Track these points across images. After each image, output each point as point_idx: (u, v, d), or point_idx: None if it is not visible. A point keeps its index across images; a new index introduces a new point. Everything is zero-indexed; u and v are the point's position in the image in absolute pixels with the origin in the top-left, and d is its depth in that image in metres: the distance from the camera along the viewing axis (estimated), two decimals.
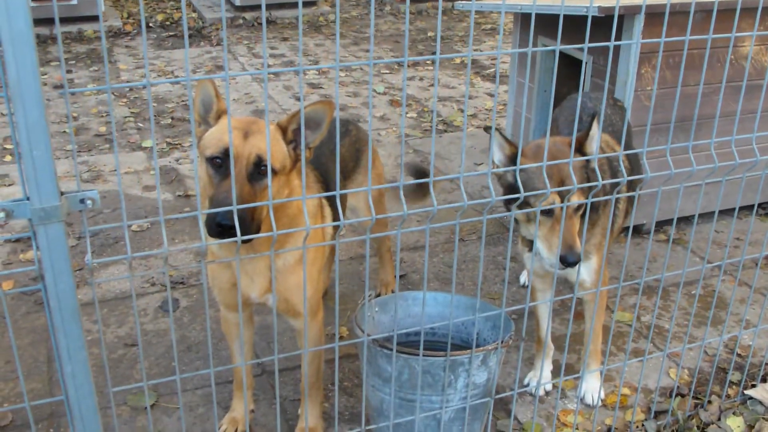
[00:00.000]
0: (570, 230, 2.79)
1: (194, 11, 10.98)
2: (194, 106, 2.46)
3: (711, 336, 3.88)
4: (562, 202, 2.74)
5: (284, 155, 2.53)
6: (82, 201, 1.82)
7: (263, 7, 1.64)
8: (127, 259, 1.84)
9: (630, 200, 3.55)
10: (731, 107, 4.70)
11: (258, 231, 2.46)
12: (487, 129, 2.78)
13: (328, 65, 1.96)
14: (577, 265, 2.86)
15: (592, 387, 3.44)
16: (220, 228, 2.29)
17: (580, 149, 2.87)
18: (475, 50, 9.32)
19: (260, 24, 10.45)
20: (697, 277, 4.40)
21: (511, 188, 2.88)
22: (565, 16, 4.20)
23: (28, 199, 1.78)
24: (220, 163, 2.45)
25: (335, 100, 2.14)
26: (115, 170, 5.70)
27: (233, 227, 2.13)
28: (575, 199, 2.76)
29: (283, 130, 2.55)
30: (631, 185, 3.48)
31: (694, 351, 3.77)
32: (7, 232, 4.81)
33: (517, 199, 2.40)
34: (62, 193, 1.80)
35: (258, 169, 2.46)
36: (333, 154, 3.34)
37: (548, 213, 2.82)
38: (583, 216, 2.93)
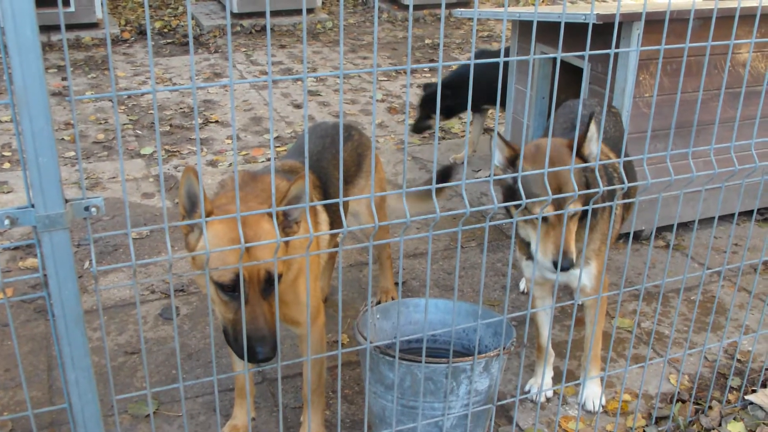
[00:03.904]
0: (565, 236, 2.80)
1: (192, 18, 11.00)
2: (179, 198, 2.37)
3: (711, 342, 3.89)
4: (558, 207, 2.75)
5: (283, 251, 2.49)
6: (86, 208, 1.82)
7: (267, 16, 1.64)
8: (132, 266, 1.83)
9: (626, 206, 3.56)
10: (729, 113, 4.71)
11: None
12: (486, 131, 2.79)
13: (332, 73, 1.97)
14: (578, 271, 2.87)
15: (593, 393, 3.44)
16: (259, 359, 2.40)
17: (579, 151, 2.88)
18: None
19: (257, 31, 10.46)
20: (697, 283, 4.41)
21: (511, 189, 2.90)
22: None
23: (32, 206, 1.78)
24: (232, 287, 2.39)
25: (339, 106, 2.14)
26: (114, 177, 5.72)
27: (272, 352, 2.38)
28: (573, 206, 2.77)
29: (277, 217, 2.45)
30: (628, 192, 3.49)
31: (694, 357, 3.78)
32: (5, 240, 4.81)
33: (517, 201, 2.40)
34: (67, 201, 1.80)
35: (269, 281, 2.42)
36: (335, 159, 3.35)
37: (544, 218, 2.84)
38: (582, 221, 2.94)
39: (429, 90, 6.22)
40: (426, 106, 6.18)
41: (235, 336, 2.45)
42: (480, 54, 6.45)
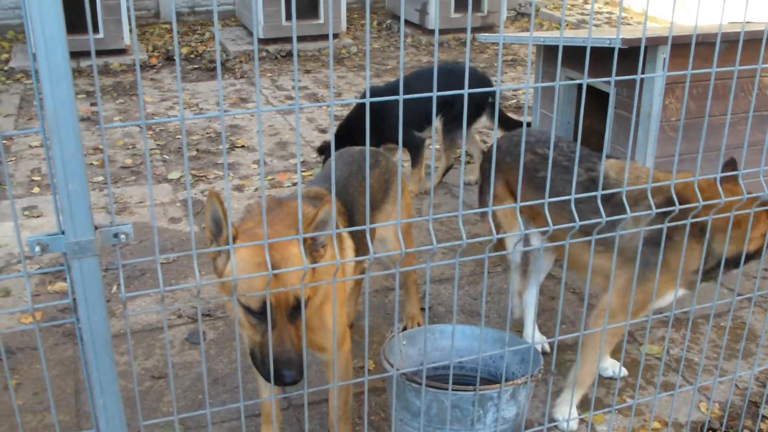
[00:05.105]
0: None
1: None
2: (205, 223, 2.39)
3: (742, 369, 3.83)
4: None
5: (309, 277, 2.51)
6: (115, 235, 1.83)
7: (294, 42, 1.65)
8: (161, 293, 1.84)
9: None
10: (757, 137, 4.67)
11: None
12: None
13: (359, 100, 1.98)
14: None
15: (610, 363, 3.76)
16: (286, 382, 2.42)
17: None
18: (496, 81, 9.29)
19: (283, 56, 10.54)
20: (727, 310, 4.35)
21: None
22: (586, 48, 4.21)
23: (62, 232, 1.79)
24: (260, 311, 2.41)
25: (366, 131, 2.13)
26: (141, 202, 5.76)
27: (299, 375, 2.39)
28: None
29: (305, 242, 2.48)
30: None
31: (725, 384, 3.73)
32: (35, 264, 4.85)
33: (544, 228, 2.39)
34: (96, 227, 1.81)
35: (296, 306, 2.43)
36: (361, 186, 3.35)
37: None
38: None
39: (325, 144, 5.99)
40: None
41: (263, 359, 2.46)
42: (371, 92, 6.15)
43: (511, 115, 7.06)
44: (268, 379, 2.44)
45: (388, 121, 5.53)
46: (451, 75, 5.97)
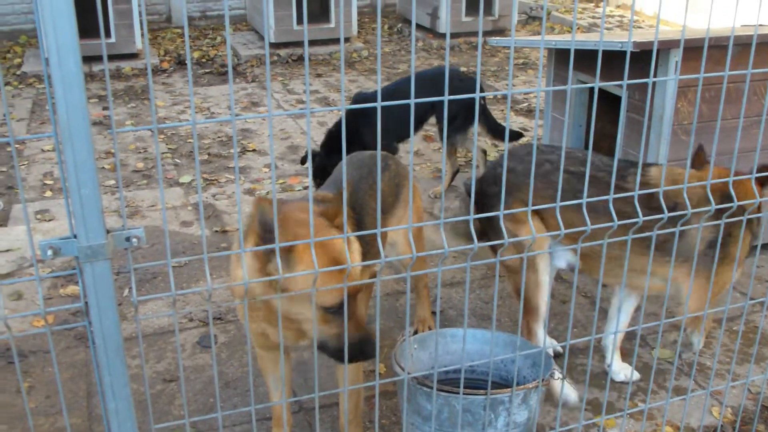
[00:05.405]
0: None
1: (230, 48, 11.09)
2: (255, 228, 2.43)
3: (755, 373, 3.81)
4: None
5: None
6: (127, 239, 1.84)
7: (306, 46, 1.66)
8: (172, 296, 1.85)
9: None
10: (766, 141, 4.65)
11: None
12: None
13: (370, 105, 1.98)
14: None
15: (622, 367, 3.71)
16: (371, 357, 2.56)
17: None
18: (508, 85, 9.27)
19: (294, 60, 10.57)
20: (740, 314, 4.33)
21: None
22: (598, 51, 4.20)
23: (75, 236, 1.80)
24: (338, 306, 2.49)
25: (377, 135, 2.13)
26: (153, 206, 5.78)
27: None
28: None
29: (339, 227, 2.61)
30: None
31: (737, 389, 3.70)
32: (47, 267, 4.87)
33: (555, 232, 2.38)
34: (108, 231, 1.81)
35: (354, 296, 2.56)
36: (372, 190, 3.34)
37: None
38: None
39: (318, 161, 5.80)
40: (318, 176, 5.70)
41: (339, 346, 2.51)
42: (357, 97, 6.16)
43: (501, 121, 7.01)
44: (352, 360, 2.54)
45: (371, 128, 5.44)
46: (440, 79, 5.86)
